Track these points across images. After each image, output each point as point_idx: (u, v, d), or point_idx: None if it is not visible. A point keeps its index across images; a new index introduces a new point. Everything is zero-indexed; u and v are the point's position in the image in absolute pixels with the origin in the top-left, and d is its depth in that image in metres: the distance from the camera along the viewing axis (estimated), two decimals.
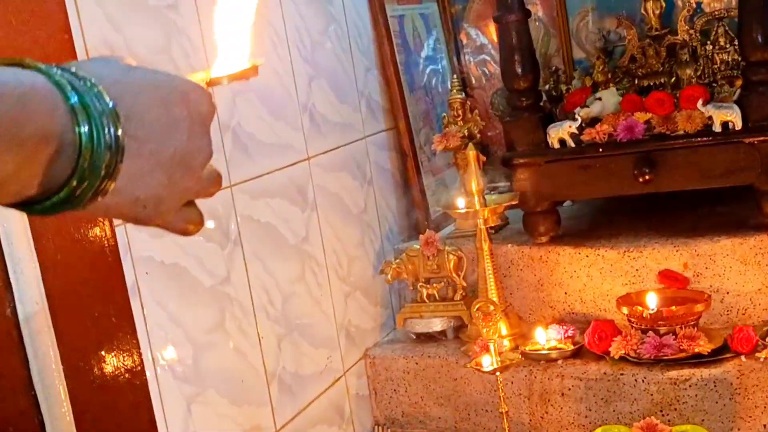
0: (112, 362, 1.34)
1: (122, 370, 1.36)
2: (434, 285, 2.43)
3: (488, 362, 2.07)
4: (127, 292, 1.43)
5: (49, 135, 0.57)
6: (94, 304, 1.32)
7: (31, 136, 0.56)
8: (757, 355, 2.00)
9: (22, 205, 0.60)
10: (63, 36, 1.28)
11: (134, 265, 1.57)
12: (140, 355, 1.42)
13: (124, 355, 1.37)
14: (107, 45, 1.48)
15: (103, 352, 1.35)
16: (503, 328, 2.27)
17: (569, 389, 2.16)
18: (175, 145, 0.64)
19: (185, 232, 0.70)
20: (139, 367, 1.40)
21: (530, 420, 2.22)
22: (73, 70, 0.60)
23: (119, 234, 1.47)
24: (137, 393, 1.38)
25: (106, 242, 1.37)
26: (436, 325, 2.42)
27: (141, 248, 1.60)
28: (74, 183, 0.59)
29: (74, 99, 0.58)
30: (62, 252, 1.27)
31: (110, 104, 0.60)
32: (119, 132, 0.60)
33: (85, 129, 0.58)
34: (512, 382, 2.21)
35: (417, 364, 2.37)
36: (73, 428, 1.25)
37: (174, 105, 0.64)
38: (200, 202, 0.72)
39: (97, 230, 1.36)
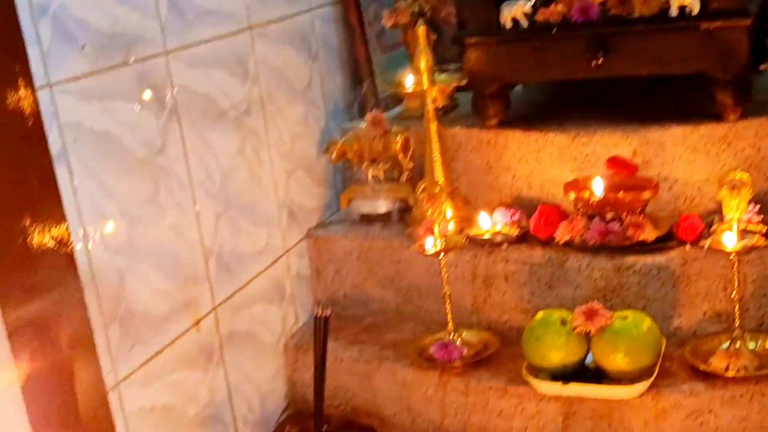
0: (34, 231, 1.28)
1: (47, 240, 1.29)
2: (380, 166, 2.38)
3: (432, 244, 2.04)
4: (51, 159, 1.35)
5: None
6: (14, 171, 1.24)
7: None
8: (701, 243, 1.98)
9: None
10: None
11: (61, 130, 1.49)
12: (67, 225, 1.35)
13: (49, 224, 1.30)
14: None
15: (26, 222, 1.28)
16: (448, 211, 2.24)
17: (513, 273, 2.14)
18: None
19: None
20: (65, 237, 1.33)
21: (473, 303, 2.20)
22: None
23: (42, 97, 1.39)
24: (63, 264, 1.32)
25: (26, 105, 1.28)
26: (381, 206, 2.38)
27: (68, 113, 1.51)
28: None
29: None
30: None
31: None
32: None
33: None
34: (456, 266, 2.19)
35: (360, 245, 2.33)
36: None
37: None
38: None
39: (16, 93, 1.28)
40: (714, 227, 2.00)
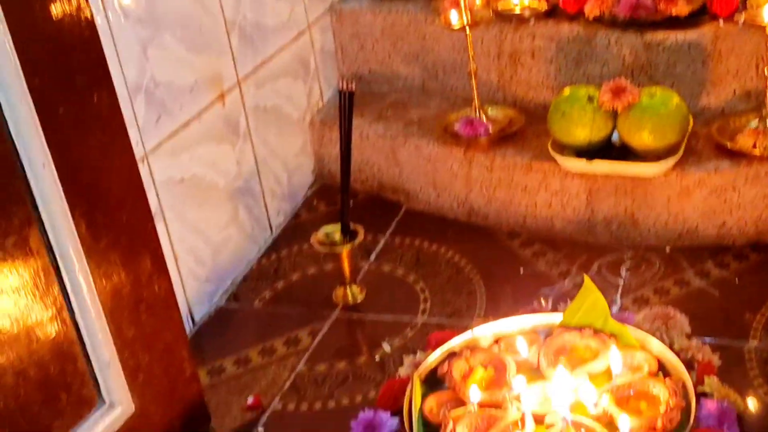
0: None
1: (66, 7, 1.27)
2: None
3: (457, 18, 2.00)
4: None
5: None
6: None
7: None
8: (736, 18, 1.93)
9: None
10: None
11: None
12: None
13: None
14: None
15: None
16: None
17: (540, 49, 2.10)
18: None
19: None
20: (83, 4, 1.31)
21: (499, 80, 2.18)
22: None
23: None
24: (84, 33, 1.30)
25: None
26: None
27: None
28: None
29: None
30: None
31: None
32: None
33: None
34: (482, 41, 2.15)
35: (384, 20, 2.28)
36: (22, 80, 1.19)
37: None
38: None
39: None
40: (750, 1, 1.94)
